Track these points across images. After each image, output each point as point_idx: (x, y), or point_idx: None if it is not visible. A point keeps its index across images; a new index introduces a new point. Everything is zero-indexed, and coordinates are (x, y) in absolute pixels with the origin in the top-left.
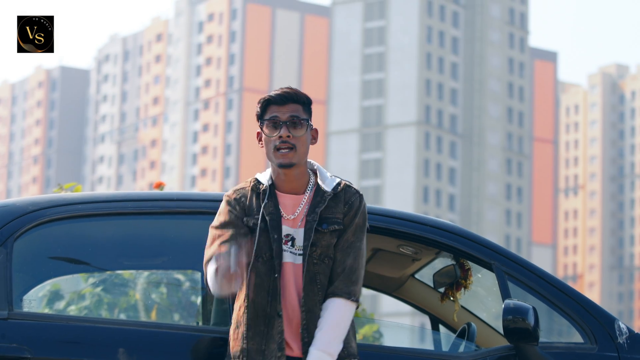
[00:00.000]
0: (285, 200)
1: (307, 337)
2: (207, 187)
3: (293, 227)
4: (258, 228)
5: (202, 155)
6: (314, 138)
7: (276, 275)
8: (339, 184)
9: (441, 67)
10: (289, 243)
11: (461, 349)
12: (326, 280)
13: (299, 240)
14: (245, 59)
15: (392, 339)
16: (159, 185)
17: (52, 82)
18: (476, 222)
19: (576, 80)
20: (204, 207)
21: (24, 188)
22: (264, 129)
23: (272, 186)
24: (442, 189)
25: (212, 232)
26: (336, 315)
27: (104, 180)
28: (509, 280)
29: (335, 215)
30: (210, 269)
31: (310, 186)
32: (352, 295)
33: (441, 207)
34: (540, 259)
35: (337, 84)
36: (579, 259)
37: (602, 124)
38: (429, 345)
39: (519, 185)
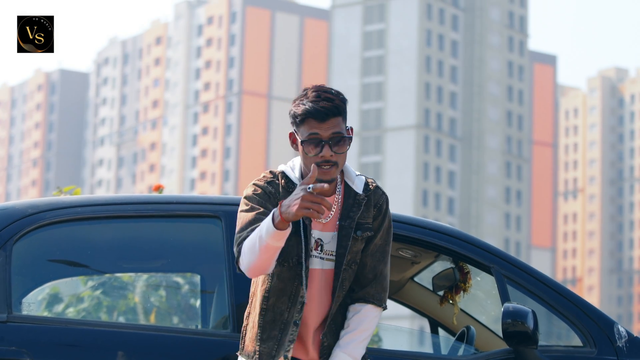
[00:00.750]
0: None
1: (326, 342)
2: (206, 190)
3: (323, 230)
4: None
5: (201, 158)
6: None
7: (301, 282)
8: (367, 184)
9: (440, 70)
10: (319, 248)
11: (460, 352)
12: (349, 285)
13: (328, 245)
14: (244, 62)
15: (391, 342)
16: (158, 188)
17: (52, 85)
18: (475, 226)
19: (575, 84)
20: (203, 210)
21: (23, 191)
22: (304, 146)
23: None
24: (441, 192)
25: (244, 214)
26: (366, 321)
27: (103, 183)
28: (508, 284)
29: (367, 221)
30: (248, 243)
31: (339, 186)
32: (382, 303)
33: (440, 210)
34: (539, 262)
35: (336, 87)
36: (578, 262)
37: (602, 128)
38: (428, 349)
39: (518, 189)
